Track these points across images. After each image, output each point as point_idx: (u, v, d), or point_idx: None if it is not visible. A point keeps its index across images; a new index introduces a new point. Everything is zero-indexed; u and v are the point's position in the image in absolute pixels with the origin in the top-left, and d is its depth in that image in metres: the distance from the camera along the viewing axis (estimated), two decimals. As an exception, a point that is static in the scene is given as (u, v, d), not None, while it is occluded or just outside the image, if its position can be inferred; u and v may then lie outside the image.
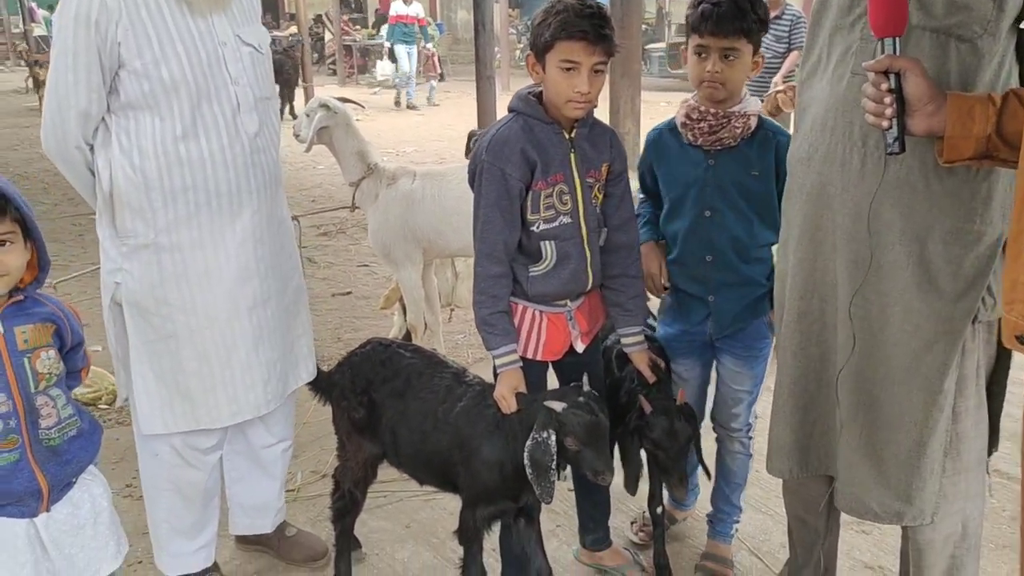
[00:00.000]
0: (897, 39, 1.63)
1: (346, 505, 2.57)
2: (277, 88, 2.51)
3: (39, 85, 15.36)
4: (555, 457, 2.07)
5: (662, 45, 18.03)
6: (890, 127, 1.62)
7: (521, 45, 21.44)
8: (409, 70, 15.34)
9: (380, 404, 2.38)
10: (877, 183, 1.78)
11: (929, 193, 1.76)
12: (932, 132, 1.62)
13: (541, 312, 2.31)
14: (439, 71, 15.79)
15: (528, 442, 2.09)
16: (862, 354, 1.89)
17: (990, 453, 1.98)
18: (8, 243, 1.75)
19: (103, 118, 2.23)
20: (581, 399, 2.12)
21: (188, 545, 2.52)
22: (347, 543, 2.61)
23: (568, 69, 2.09)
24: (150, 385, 2.35)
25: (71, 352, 1.90)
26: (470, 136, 6.06)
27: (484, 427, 2.21)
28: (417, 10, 15.59)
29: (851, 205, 1.84)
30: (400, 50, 15.29)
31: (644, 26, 15.66)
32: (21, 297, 1.79)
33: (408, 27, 15.41)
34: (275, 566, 2.75)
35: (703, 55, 2.28)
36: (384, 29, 20.25)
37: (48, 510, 1.81)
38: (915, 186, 1.76)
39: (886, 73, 1.61)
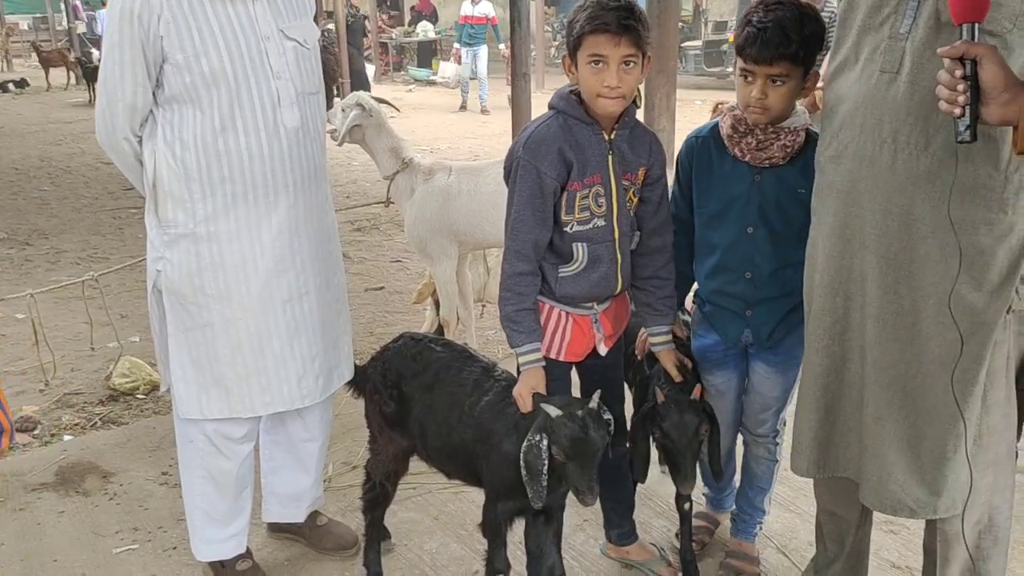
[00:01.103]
0: (976, 25, 1.59)
1: (377, 497, 2.60)
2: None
3: (86, 80, 15.83)
4: (546, 462, 2.05)
5: (698, 43, 17.92)
6: (962, 115, 1.58)
7: (556, 43, 21.41)
8: (474, 72, 14.60)
9: (410, 397, 2.41)
10: (911, 178, 1.78)
11: (960, 185, 1.75)
12: (1006, 121, 1.59)
13: (567, 313, 2.32)
14: None
15: (524, 444, 2.09)
16: (894, 348, 1.89)
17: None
18: None
19: (151, 111, 2.29)
20: (579, 412, 2.08)
21: (220, 532, 2.57)
22: (376, 533, 2.64)
23: (596, 63, 2.09)
24: (187, 371, 2.40)
25: None
26: None
27: (505, 423, 2.22)
28: (486, 10, 14.64)
29: (881, 201, 1.84)
30: (465, 52, 14.67)
31: (680, 23, 15.56)
32: None
33: (475, 28, 14.63)
34: (306, 554, 2.79)
35: (748, 79, 2.21)
36: (420, 27, 20.43)
37: None
38: (946, 179, 1.75)
39: (962, 60, 1.58)
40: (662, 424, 2.31)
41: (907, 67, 1.78)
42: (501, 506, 2.26)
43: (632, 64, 2.10)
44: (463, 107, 14.79)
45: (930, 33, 1.74)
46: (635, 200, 2.30)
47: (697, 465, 2.39)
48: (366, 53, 20.88)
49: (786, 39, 2.12)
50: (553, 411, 2.08)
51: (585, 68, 2.11)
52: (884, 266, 1.87)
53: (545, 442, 2.06)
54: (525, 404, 2.17)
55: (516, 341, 2.24)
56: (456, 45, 15.88)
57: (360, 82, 14.69)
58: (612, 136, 2.21)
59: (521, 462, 2.08)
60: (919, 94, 1.75)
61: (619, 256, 2.28)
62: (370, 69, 16.84)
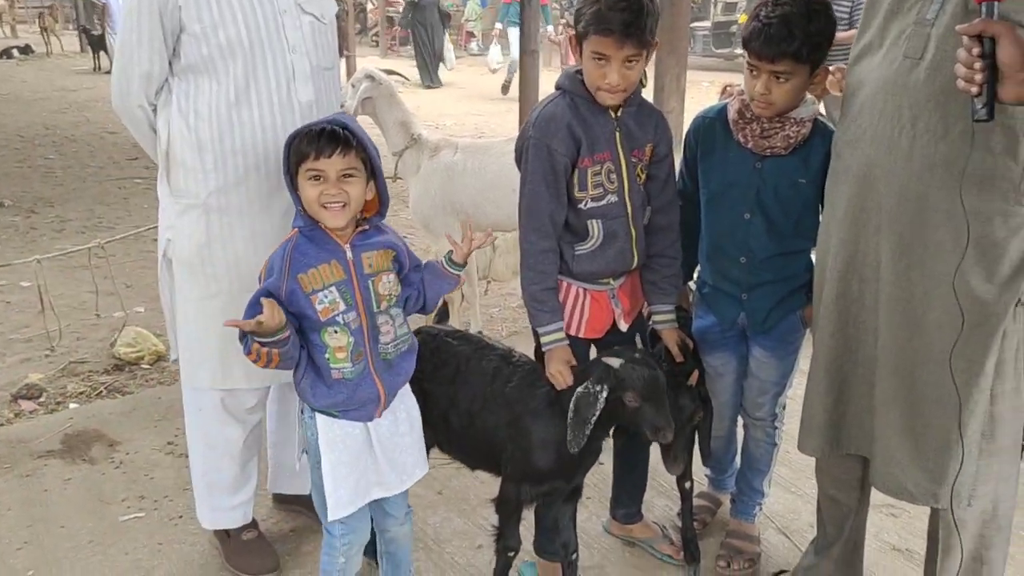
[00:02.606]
0: (996, 4, 1.58)
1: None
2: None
3: (92, 48, 15.96)
4: (597, 412, 2.07)
5: (707, 24, 17.80)
6: (979, 93, 1.58)
7: (564, 20, 21.28)
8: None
9: (431, 393, 2.36)
10: (928, 165, 1.78)
11: (978, 176, 1.75)
12: (1022, 101, 1.58)
13: (584, 289, 2.32)
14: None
15: (579, 389, 2.09)
16: (903, 335, 1.90)
17: (1025, 437, 1.98)
18: (352, 176, 1.95)
19: (167, 80, 2.29)
20: (638, 355, 2.13)
21: (227, 500, 2.59)
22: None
23: (598, 60, 2.10)
24: (193, 341, 2.41)
25: (411, 272, 2.15)
26: None
27: (536, 406, 2.21)
28: None
29: (897, 187, 1.84)
30: (513, 33, 12.75)
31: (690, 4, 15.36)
32: (366, 227, 2.04)
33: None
34: (311, 526, 2.80)
35: (754, 73, 2.20)
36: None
37: (380, 416, 2.08)
38: (963, 168, 1.75)
39: (980, 39, 1.57)
40: None
41: (931, 53, 1.78)
42: (527, 489, 2.26)
43: (635, 62, 2.10)
44: (505, 89, 13.36)
45: (956, 20, 1.73)
46: (643, 176, 2.31)
47: (694, 447, 2.42)
48: (372, 31, 20.65)
49: (789, 36, 2.10)
50: (616, 361, 2.11)
51: (589, 61, 2.12)
52: (897, 252, 1.87)
53: (605, 393, 2.08)
54: (565, 380, 2.17)
55: (542, 320, 2.24)
56: (498, 25, 14.62)
57: (433, 70, 14.28)
58: (619, 113, 2.22)
59: (571, 407, 2.09)
60: (941, 81, 1.75)
61: (633, 231, 2.29)
62: (449, 51, 15.71)
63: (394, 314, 2.07)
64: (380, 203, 2.06)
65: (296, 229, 2.00)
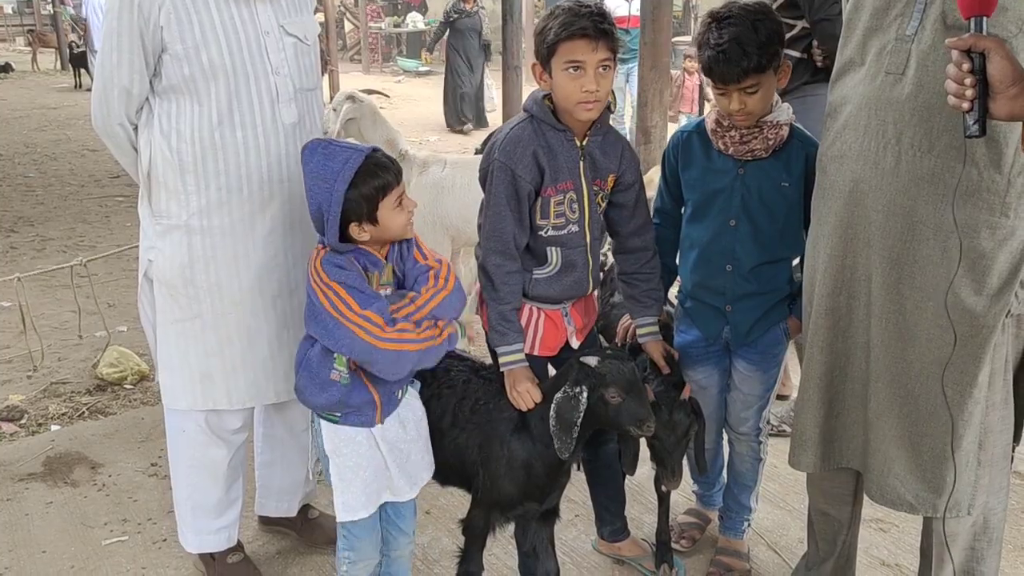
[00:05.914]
0: (985, 19, 1.56)
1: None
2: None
3: (72, 66, 15.87)
4: (581, 414, 2.06)
5: (688, 39, 17.91)
6: (971, 109, 1.55)
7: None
8: (624, 102, 9.32)
9: None
10: (914, 180, 1.79)
11: (963, 189, 1.76)
12: (1014, 116, 1.55)
13: (538, 309, 2.33)
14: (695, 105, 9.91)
15: (558, 395, 2.08)
16: (896, 347, 1.90)
17: (1014, 448, 1.99)
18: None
19: (148, 99, 2.27)
20: (610, 352, 2.14)
21: (211, 523, 2.55)
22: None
23: (574, 69, 2.08)
24: (174, 362, 2.39)
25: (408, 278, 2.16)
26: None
27: (503, 432, 2.20)
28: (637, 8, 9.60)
29: (884, 202, 1.85)
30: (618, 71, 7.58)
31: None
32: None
33: (627, 35, 9.11)
34: (297, 547, 2.79)
35: (723, 94, 2.22)
36: (409, 17, 20.22)
37: (381, 422, 2.11)
38: (949, 182, 1.75)
39: (969, 55, 1.55)
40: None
41: (913, 68, 1.78)
42: (497, 514, 2.24)
43: (607, 68, 2.10)
44: None
45: (936, 35, 1.74)
46: (603, 205, 2.32)
47: (684, 461, 2.41)
48: (353, 50, 20.55)
49: (745, 55, 2.13)
50: (593, 360, 2.10)
51: (561, 75, 2.11)
52: (887, 266, 1.88)
53: (585, 394, 2.07)
54: (529, 401, 2.16)
55: (508, 340, 2.24)
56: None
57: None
58: (584, 142, 2.23)
59: (552, 414, 2.08)
60: (924, 96, 1.76)
61: (590, 260, 2.31)
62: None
63: None
64: None
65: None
